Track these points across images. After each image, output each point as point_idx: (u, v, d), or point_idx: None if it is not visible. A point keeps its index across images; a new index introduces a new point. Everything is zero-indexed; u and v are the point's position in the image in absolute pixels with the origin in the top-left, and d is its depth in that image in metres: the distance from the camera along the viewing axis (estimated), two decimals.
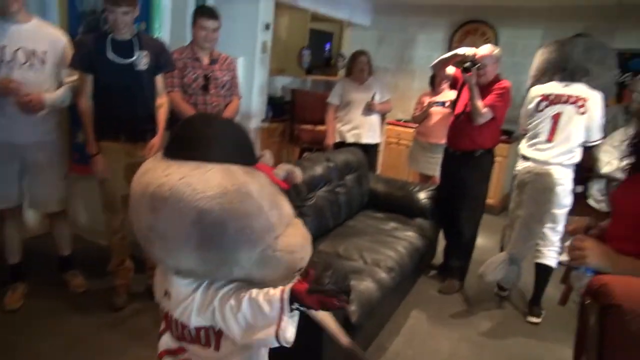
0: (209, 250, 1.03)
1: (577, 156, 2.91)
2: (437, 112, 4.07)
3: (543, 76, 3.20)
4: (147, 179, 1.07)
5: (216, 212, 0.99)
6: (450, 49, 5.47)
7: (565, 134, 2.90)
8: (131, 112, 2.56)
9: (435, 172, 3.99)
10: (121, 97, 2.51)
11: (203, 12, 2.94)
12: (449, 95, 4.01)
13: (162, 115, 2.68)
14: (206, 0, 4.29)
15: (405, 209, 3.44)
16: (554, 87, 3.00)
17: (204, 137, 1.07)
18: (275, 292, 1.08)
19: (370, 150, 4.14)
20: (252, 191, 1.04)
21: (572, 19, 4.92)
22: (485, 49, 3.08)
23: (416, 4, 5.75)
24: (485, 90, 3.04)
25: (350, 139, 4.05)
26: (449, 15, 5.63)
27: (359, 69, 4.06)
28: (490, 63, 3.04)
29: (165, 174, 1.04)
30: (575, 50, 3.05)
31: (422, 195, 3.48)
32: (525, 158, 3.03)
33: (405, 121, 5.77)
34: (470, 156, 3.13)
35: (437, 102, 4.05)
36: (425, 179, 4.30)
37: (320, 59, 5.70)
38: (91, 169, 2.59)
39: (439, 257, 3.57)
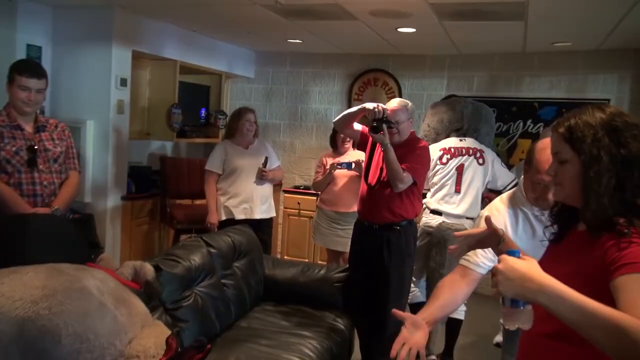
0: None
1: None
2: (342, 176, 4.12)
3: (439, 135, 4.07)
4: None
5: (44, 320, 0.92)
6: (350, 102, 5.76)
7: (469, 183, 3.65)
8: None
9: (347, 247, 3.99)
10: None
11: (22, 68, 2.83)
12: (354, 155, 4.13)
13: None
14: (41, 50, 4.13)
15: (311, 298, 3.36)
16: (451, 142, 3.83)
17: (19, 239, 1.02)
18: None
19: (263, 226, 4.07)
20: (88, 286, 0.98)
21: (478, 67, 5.44)
22: (396, 103, 3.19)
23: (305, 52, 6.02)
24: (399, 150, 3.11)
25: (239, 215, 3.98)
26: (344, 64, 5.96)
27: (244, 129, 4.06)
28: (404, 119, 3.14)
29: None
30: (466, 111, 4.08)
31: (331, 280, 3.43)
32: (436, 212, 3.63)
33: (305, 187, 5.83)
34: (391, 230, 3.16)
35: (341, 164, 4.10)
36: (335, 255, 4.29)
37: (194, 118, 5.65)
38: None
39: (357, 355, 3.49)
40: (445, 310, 1.88)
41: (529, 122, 5.26)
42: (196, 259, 2.85)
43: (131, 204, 4.53)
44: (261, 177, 4.02)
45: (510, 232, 1.98)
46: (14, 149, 2.78)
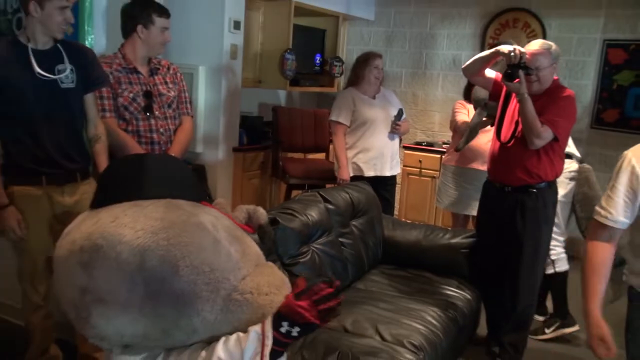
0: (159, 301, 1.05)
1: None
2: (485, 130, 3.97)
3: None
4: (72, 237, 1.12)
5: (162, 250, 1.03)
6: (484, 48, 5.60)
7: None
8: (55, 144, 2.56)
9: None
10: (41, 125, 2.52)
11: (159, 9, 2.98)
12: None
13: (101, 153, 2.71)
14: None
15: (434, 264, 3.42)
16: None
17: (138, 176, 1.15)
18: (252, 328, 1.13)
19: (388, 184, 4.18)
20: (204, 222, 1.09)
21: (638, 6, 5.04)
22: (537, 45, 3.05)
23: None
24: (540, 101, 3.01)
25: (369, 171, 4.09)
26: (478, 3, 5.79)
27: (371, 77, 4.12)
28: (546, 65, 3.00)
29: (93, 222, 1.10)
30: None
31: (457, 246, 3.46)
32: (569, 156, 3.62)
33: (428, 144, 5.82)
34: (526, 193, 3.11)
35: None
36: (462, 221, 4.28)
37: (309, 64, 5.78)
38: None
39: (482, 328, 3.53)
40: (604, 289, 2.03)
41: None
42: (313, 214, 3.00)
43: (243, 155, 4.77)
44: (393, 131, 4.09)
45: None
46: (131, 95, 2.94)
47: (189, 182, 1.22)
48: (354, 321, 2.70)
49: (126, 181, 1.15)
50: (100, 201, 1.18)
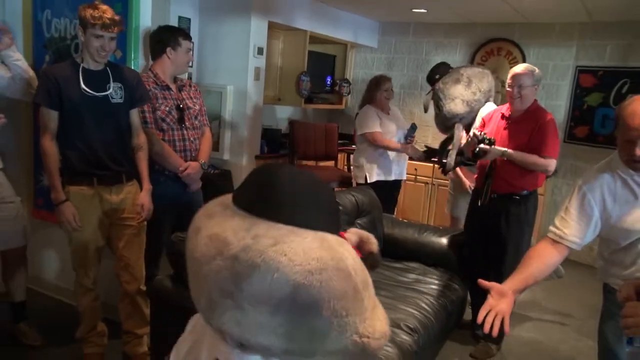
0: (294, 330, 0.99)
1: None
2: None
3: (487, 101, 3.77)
4: (223, 236, 1.02)
5: (314, 290, 0.96)
6: None
7: None
8: (106, 150, 2.58)
9: None
10: (94, 134, 2.54)
11: (184, 33, 3.02)
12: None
13: (143, 159, 2.73)
14: (190, 21, 4.43)
15: (428, 258, 3.42)
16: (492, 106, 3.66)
17: (292, 196, 1.03)
18: None
19: (398, 187, 4.33)
20: (349, 267, 1.01)
21: (611, 35, 5.03)
22: (522, 67, 3.10)
23: (428, 22, 5.91)
24: (524, 123, 3.04)
25: (388, 176, 4.20)
26: (467, 34, 5.77)
27: (382, 97, 4.21)
28: (528, 84, 3.03)
29: (251, 235, 1.00)
30: None
31: (448, 243, 3.45)
32: None
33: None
34: (511, 199, 3.10)
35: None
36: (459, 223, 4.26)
37: (321, 85, 5.80)
38: (57, 218, 2.58)
39: (468, 314, 3.51)
40: (533, 279, 1.87)
41: None
42: None
43: (263, 162, 4.79)
44: (409, 142, 4.20)
45: (607, 196, 1.88)
46: (167, 108, 2.93)
47: (336, 212, 1.12)
48: None
49: (282, 197, 1.03)
50: (249, 204, 1.04)
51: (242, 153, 4.55)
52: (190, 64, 3.18)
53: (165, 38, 2.95)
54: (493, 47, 5.63)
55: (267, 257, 0.96)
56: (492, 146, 2.95)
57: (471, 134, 3.06)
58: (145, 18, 3.06)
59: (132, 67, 2.96)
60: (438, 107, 3.81)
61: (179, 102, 2.98)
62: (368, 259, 1.38)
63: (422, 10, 5.19)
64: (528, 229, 3.18)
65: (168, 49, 2.92)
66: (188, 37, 3.01)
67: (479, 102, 3.65)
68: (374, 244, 1.27)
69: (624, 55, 4.98)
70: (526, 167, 3.01)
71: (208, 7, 4.55)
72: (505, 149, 3.00)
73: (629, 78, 4.91)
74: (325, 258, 0.98)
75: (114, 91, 2.57)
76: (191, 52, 3.05)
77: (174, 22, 4.32)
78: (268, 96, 5.01)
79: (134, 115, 2.70)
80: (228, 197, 1.05)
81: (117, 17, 2.46)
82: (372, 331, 1.04)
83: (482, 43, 5.69)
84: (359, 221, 3.35)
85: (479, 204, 3.13)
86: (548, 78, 5.34)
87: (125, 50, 3.03)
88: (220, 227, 1.02)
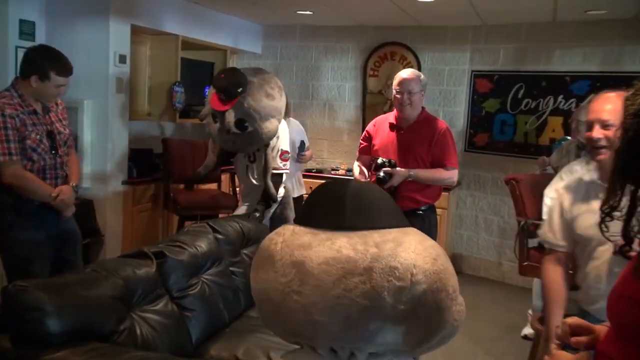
0: (427, 319, 1.13)
1: None
2: None
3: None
4: (345, 255, 1.12)
5: (442, 274, 1.12)
6: (366, 79, 5.80)
7: None
8: None
9: None
10: None
11: (59, 67, 2.93)
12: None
13: None
14: (34, 26, 4.19)
15: None
16: None
17: (374, 203, 1.22)
18: None
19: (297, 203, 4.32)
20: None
21: (504, 39, 5.43)
22: (408, 73, 3.28)
23: (315, 25, 6.04)
24: (418, 129, 3.22)
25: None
26: (358, 38, 5.97)
27: None
28: (417, 90, 3.21)
29: (371, 245, 1.12)
30: None
31: None
32: None
33: (317, 171, 5.88)
34: (414, 216, 3.21)
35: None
36: None
37: (198, 96, 5.69)
38: None
39: None
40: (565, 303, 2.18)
41: (560, 98, 5.20)
42: (202, 245, 2.91)
43: (133, 189, 4.61)
44: (299, 160, 4.29)
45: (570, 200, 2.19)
46: (38, 136, 2.91)
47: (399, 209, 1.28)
48: (245, 349, 2.63)
49: (366, 205, 1.20)
50: (333, 221, 1.17)
51: (106, 179, 4.35)
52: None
53: (36, 63, 2.90)
54: (386, 52, 5.87)
55: (401, 257, 1.10)
56: (395, 168, 3.07)
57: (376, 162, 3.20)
58: None
59: None
60: None
61: (49, 128, 2.99)
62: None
63: (308, 12, 5.30)
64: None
65: (33, 77, 2.87)
66: (64, 73, 2.95)
67: None
68: None
69: (517, 58, 5.39)
70: (433, 183, 3.16)
71: (57, 9, 4.35)
72: (410, 170, 3.14)
73: (524, 82, 5.30)
74: (433, 246, 1.17)
75: None
76: (63, 87, 2.99)
77: (13, 26, 4.09)
78: (136, 111, 4.85)
79: None
80: (295, 227, 1.19)
81: None
82: (462, 300, 1.21)
83: (374, 47, 5.91)
84: (245, 251, 3.28)
85: None
86: (445, 83, 5.65)
87: None
88: (332, 250, 1.12)
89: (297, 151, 4.37)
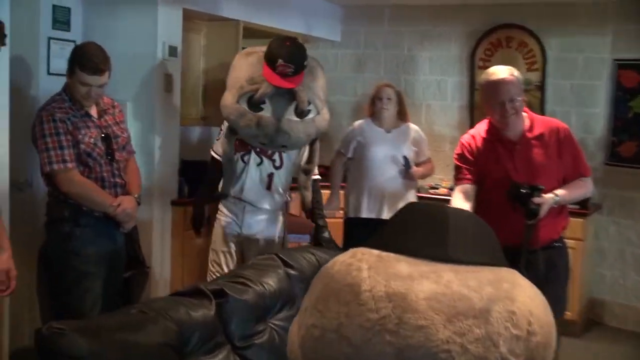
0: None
1: None
2: None
3: None
4: (457, 292, 1.16)
5: (546, 318, 1.21)
6: (474, 72, 5.70)
7: None
8: None
9: None
10: None
11: (84, 60, 3.11)
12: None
13: None
14: (69, 12, 4.35)
15: None
16: None
17: (479, 237, 1.30)
18: None
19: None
20: None
21: None
22: (506, 73, 3.13)
23: (406, 5, 6.03)
24: (536, 138, 3.15)
25: (365, 212, 4.34)
26: (463, 20, 5.91)
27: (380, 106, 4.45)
28: (519, 93, 3.14)
29: (485, 284, 1.18)
30: None
31: None
32: None
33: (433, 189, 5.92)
34: (553, 250, 3.11)
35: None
36: None
37: None
38: None
39: None
40: None
41: None
42: (271, 282, 2.92)
43: (184, 210, 4.68)
44: (405, 176, 4.39)
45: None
46: (92, 140, 3.17)
47: (495, 249, 1.35)
48: None
49: (471, 238, 1.28)
50: (433, 250, 1.24)
51: (152, 199, 4.44)
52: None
53: (70, 59, 3.17)
54: (500, 37, 5.78)
55: (518, 302, 1.16)
56: (543, 196, 2.97)
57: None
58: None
59: None
60: None
61: (105, 132, 3.28)
62: None
63: None
64: (563, 285, 3.24)
65: (68, 73, 3.16)
66: (87, 69, 3.10)
67: None
68: None
69: None
70: (575, 201, 3.11)
71: None
72: (554, 193, 3.03)
73: None
74: (540, 292, 1.26)
75: None
76: (91, 88, 3.16)
77: (46, 12, 4.24)
78: (187, 115, 4.96)
79: None
80: (376, 251, 1.26)
81: None
82: None
83: (484, 32, 5.83)
84: None
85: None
86: (578, 77, 5.49)
87: None
88: (439, 285, 1.17)
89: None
